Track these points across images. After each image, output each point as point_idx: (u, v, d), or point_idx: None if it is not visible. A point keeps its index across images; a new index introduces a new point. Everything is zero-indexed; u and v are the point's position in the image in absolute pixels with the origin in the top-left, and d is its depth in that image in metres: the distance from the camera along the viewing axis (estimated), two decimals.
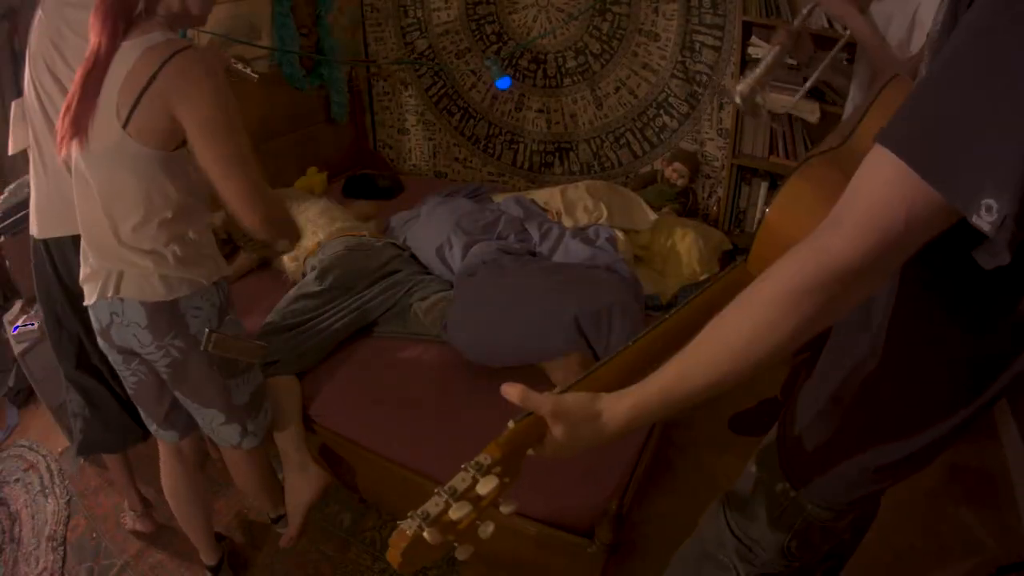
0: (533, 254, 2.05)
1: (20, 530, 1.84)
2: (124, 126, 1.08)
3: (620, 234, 2.12)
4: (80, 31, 1.36)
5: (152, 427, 1.46)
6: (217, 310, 1.29)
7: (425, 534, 0.56)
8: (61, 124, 1.13)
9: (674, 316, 0.78)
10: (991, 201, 0.45)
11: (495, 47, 2.78)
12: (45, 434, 2.18)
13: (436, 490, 0.58)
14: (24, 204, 2.12)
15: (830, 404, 0.81)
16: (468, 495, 0.58)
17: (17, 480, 2.02)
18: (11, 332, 1.99)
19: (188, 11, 1.14)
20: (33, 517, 1.88)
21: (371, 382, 1.70)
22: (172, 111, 1.07)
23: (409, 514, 0.57)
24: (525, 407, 0.67)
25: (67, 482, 1.98)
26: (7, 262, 2.19)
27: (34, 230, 1.54)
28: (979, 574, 1.59)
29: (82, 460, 2.04)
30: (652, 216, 2.28)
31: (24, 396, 2.34)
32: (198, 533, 1.57)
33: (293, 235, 1.30)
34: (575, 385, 0.70)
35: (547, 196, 2.39)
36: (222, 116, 1.08)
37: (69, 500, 1.92)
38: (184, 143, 1.13)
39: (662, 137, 2.62)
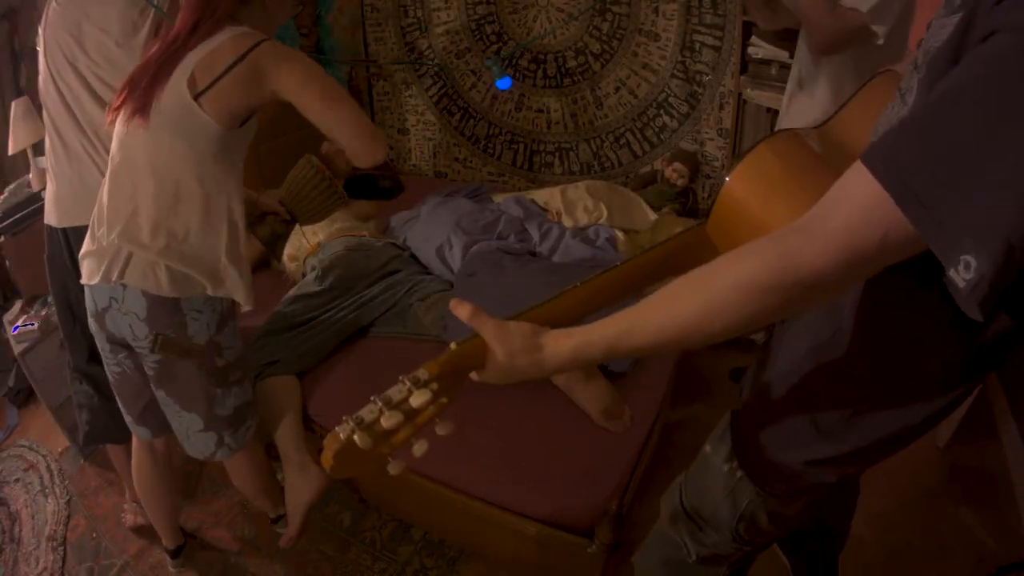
0: (533, 254, 2.05)
1: (20, 530, 1.84)
2: (196, 97, 1.14)
3: (620, 234, 2.12)
4: (101, 24, 1.39)
5: (127, 419, 1.46)
6: (218, 316, 1.27)
7: (356, 437, 0.57)
8: (124, 97, 1.19)
9: (626, 265, 0.78)
10: (970, 258, 0.44)
11: (495, 47, 2.78)
12: (45, 434, 2.18)
13: (372, 398, 0.59)
14: (24, 204, 2.12)
15: (775, 389, 0.81)
16: (402, 406, 0.60)
17: (17, 480, 2.02)
18: (11, 332, 1.99)
19: (269, 11, 1.28)
20: (33, 517, 1.88)
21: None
22: (264, 81, 1.15)
23: (344, 418, 0.58)
24: (471, 324, 0.68)
25: (67, 482, 1.98)
26: (7, 262, 2.20)
27: (52, 219, 1.52)
28: (979, 574, 1.59)
29: (82, 460, 2.04)
30: (652, 216, 2.28)
31: (24, 396, 2.34)
32: (161, 521, 1.61)
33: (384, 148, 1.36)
34: (519, 316, 0.70)
35: (547, 196, 2.39)
36: (323, 74, 1.21)
37: (69, 500, 1.92)
38: (248, 119, 1.22)
39: (662, 137, 2.61)
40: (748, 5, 1.66)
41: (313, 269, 1.94)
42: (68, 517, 1.86)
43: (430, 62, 2.94)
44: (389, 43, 3.00)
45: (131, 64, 1.33)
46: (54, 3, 1.42)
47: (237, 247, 1.26)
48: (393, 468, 0.63)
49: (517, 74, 2.77)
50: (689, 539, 0.96)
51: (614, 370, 1.65)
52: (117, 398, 1.43)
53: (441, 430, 0.65)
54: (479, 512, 1.44)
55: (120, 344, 1.31)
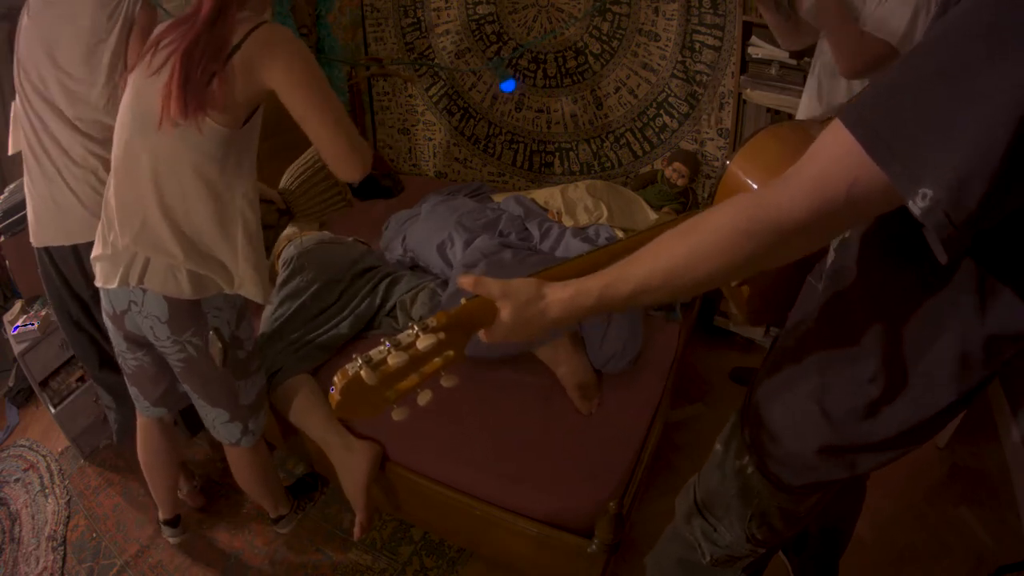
0: (534, 251, 2.05)
1: (20, 530, 1.84)
2: None
3: (620, 234, 2.12)
4: (69, 38, 1.36)
5: (141, 404, 1.47)
6: (237, 312, 1.28)
7: (362, 373, 0.61)
8: (177, 94, 1.08)
9: (627, 240, 0.83)
10: (927, 190, 0.47)
11: (495, 47, 2.78)
12: (45, 434, 2.18)
13: (382, 339, 0.64)
14: (24, 204, 2.12)
15: (787, 379, 0.81)
16: (409, 349, 0.63)
17: (17, 480, 2.02)
18: (11, 332, 1.98)
19: None
20: (33, 517, 1.88)
21: None
22: (257, 73, 1.08)
23: (353, 356, 0.62)
24: (477, 291, 0.72)
25: (67, 482, 1.98)
26: (7, 262, 2.20)
27: (32, 238, 1.55)
28: (979, 574, 1.59)
29: (82, 460, 2.04)
30: (652, 216, 2.28)
31: (24, 396, 2.34)
32: (160, 492, 1.63)
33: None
34: (529, 276, 0.75)
35: (547, 196, 2.39)
36: (315, 72, 1.13)
37: (69, 500, 1.92)
38: (253, 114, 1.17)
39: (662, 137, 2.61)
40: (773, 28, 1.69)
41: (287, 265, 1.93)
42: (68, 517, 1.86)
43: (430, 62, 2.94)
44: (389, 43, 3.00)
45: (97, 80, 1.32)
46: (25, 17, 1.39)
47: (254, 247, 1.24)
48: (397, 414, 0.67)
49: (517, 74, 2.76)
50: (703, 539, 0.96)
51: (613, 370, 1.66)
52: (134, 387, 1.44)
53: (446, 383, 0.68)
54: (479, 512, 1.44)
55: (139, 343, 1.32)
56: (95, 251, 1.24)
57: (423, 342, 0.64)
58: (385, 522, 1.79)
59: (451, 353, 0.67)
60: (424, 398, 0.67)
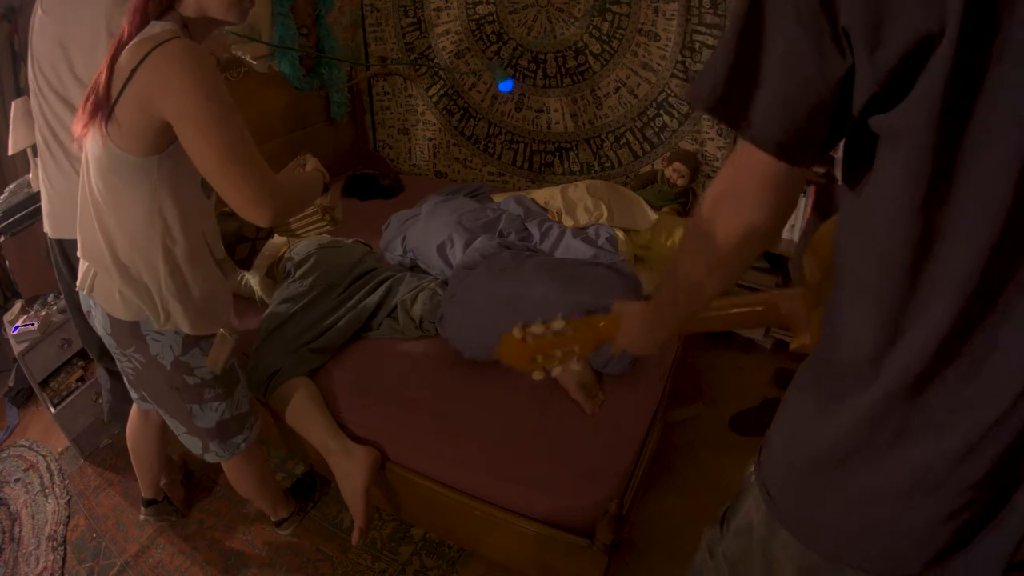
0: (534, 252, 2.05)
1: (20, 530, 1.84)
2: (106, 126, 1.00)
3: (620, 234, 2.12)
4: (80, 35, 1.35)
5: (133, 395, 1.49)
6: (181, 339, 1.22)
7: (515, 331, 0.87)
8: (81, 110, 1.05)
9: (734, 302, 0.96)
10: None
11: (495, 47, 2.78)
12: (45, 434, 2.18)
13: (539, 319, 0.89)
14: (24, 204, 2.12)
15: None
16: (551, 327, 0.88)
17: (17, 480, 2.02)
18: (11, 332, 1.98)
19: (205, 12, 1.05)
20: (33, 517, 1.88)
21: (368, 382, 1.70)
22: (153, 99, 0.96)
23: (515, 326, 0.87)
24: (614, 310, 0.92)
25: (67, 482, 1.98)
26: (7, 262, 2.20)
27: (48, 229, 1.56)
28: None
29: (82, 460, 2.04)
30: (652, 216, 2.28)
31: (24, 396, 2.34)
32: (142, 474, 1.68)
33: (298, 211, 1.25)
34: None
35: (547, 196, 2.39)
36: (212, 106, 0.96)
37: (69, 500, 1.92)
38: (173, 143, 1.04)
39: (662, 137, 2.61)
40: None
41: (286, 269, 1.95)
42: (68, 517, 1.86)
43: (429, 62, 2.94)
44: (389, 43, 3.00)
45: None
46: (40, 10, 1.37)
47: (180, 282, 1.16)
48: (536, 375, 0.88)
49: (517, 74, 2.77)
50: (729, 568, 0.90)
51: (614, 371, 1.65)
52: (125, 380, 1.44)
53: (574, 366, 0.90)
54: (479, 512, 1.44)
55: None
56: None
57: (558, 324, 0.88)
58: (385, 522, 1.79)
59: (577, 348, 0.88)
60: (556, 371, 0.88)
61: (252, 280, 2.02)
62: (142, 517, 1.76)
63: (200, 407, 1.30)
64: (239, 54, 1.50)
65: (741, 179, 0.61)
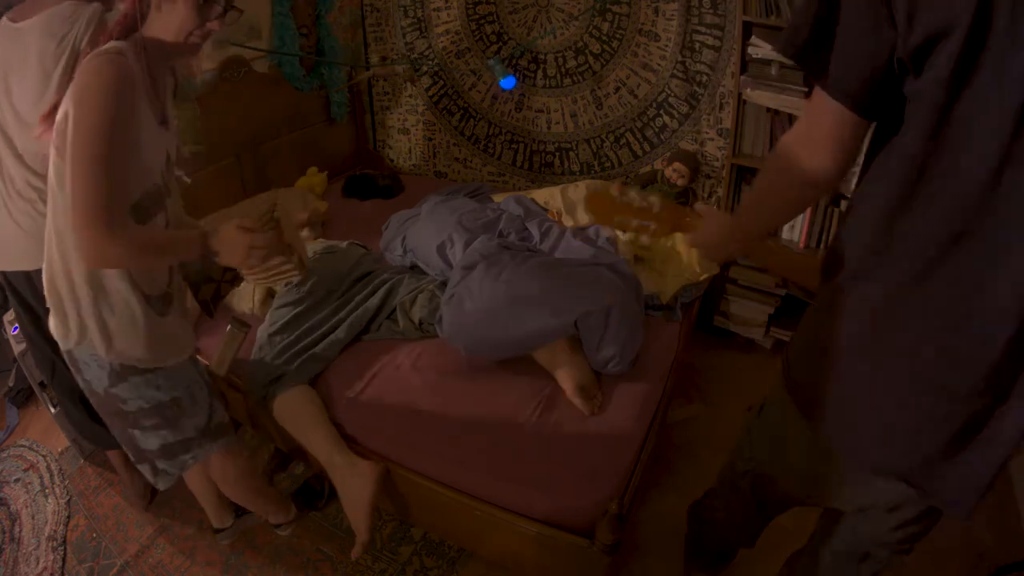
0: (533, 252, 2.05)
1: (20, 530, 1.85)
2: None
3: (620, 234, 2.12)
4: (20, 75, 1.33)
5: None
6: (107, 371, 1.17)
7: (612, 188, 1.01)
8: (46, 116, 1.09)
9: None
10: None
11: (495, 47, 2.78)
12: (45, 434, 2.18)
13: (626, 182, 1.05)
14: None
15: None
16: (645, 198, 0.99)
17: (17, 480, 2.02)
18: (11, 332, 1.98)
19: (157, 35, 1.05)
20: (33, 517, 1.88)
21: (368, 383, 1.70)
22: (65, 109, 0.98)
23: (622, 182, 0.97)
24: (698, 210, 1.00)
25: (67, 482, 1.99)
26: None
27: None
28: (979, 574, 1.58)
29: (82, 460, 2.04)
30: None
31: (24, 396, 2.34)
32: (208, 510, 1.63)
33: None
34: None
35: (547, 196, 2.39)
36: (93, 115, 0.94)
37: (69, 500, 1.92)
38: None
39: (662, 137, 2.61)
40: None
41: (286, 283, 1.94)
42: (68, 517, 1.86)
43: (429, 62, 2.94)
44: (389, 43, 3.00)
45: (41, 112, 1.21)
46: None
47: (108, 303, 1.12)
48: (605, 231, 1.09)
49: (517, 74, 2.76)
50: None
51: (613, 372, 1.66)
52: None
53: (645, 239, 1.01)
54: (479, 512, 1.44)
55: None
56: None
57: (649, 193, 0.99)
58: (385, 522, 1.79)
59: (654, 226, 0.98)
60: (641, 231, 0.98)
61: (255, 295, 2.01)
62: (223, 542, 1.70)
63: (141, 432, 1.26)
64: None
65: (814, 125, 0.77)
